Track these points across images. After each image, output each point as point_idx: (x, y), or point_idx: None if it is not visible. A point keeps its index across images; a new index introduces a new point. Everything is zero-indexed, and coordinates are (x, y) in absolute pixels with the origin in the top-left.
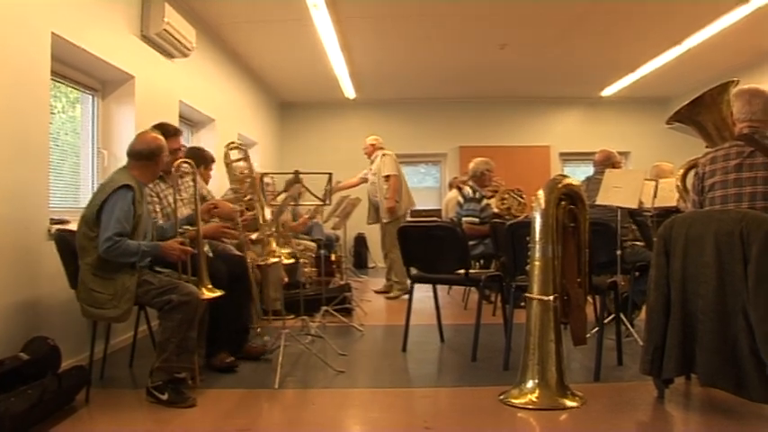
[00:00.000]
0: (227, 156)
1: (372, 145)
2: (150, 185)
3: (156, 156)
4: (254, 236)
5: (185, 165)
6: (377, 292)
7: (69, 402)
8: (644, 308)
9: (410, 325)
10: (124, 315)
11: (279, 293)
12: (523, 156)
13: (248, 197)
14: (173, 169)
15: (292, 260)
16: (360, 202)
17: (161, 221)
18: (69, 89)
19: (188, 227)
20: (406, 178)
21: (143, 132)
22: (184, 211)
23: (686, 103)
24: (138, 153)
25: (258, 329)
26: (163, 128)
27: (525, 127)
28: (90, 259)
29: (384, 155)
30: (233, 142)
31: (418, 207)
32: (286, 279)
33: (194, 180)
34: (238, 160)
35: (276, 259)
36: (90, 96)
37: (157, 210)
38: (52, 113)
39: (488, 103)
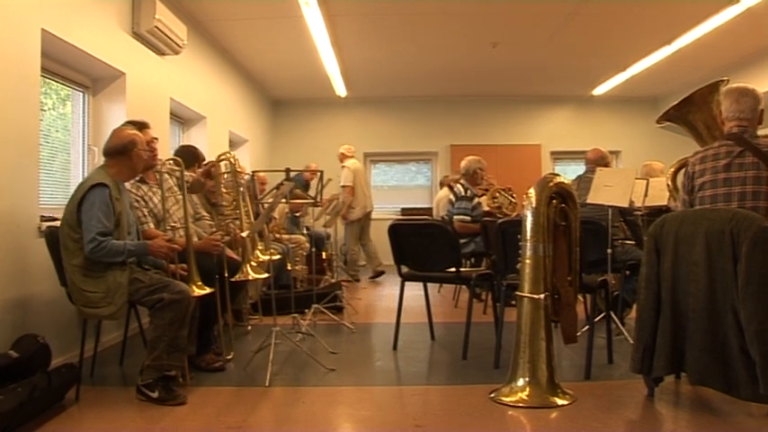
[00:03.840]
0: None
1: (342, 153)
2: (133, 190)
3: (130, 150)
4: (244, 233)
5: (174, 163)
6: (371, 278)
7: (59, 400)
8: (634, 306)
9: (401, 323)
10: (119, 311)
11: (256, 292)
12: (515, 154)
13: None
14: (159, 165)
15: (279, 257)
16: (351, 201)
17: (152, 224)
18: (60, 86)
19: (175, 224)
20: (388, 177)
21: (117, 128)
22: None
23: (676, 102)
24: (111, 149)
25: (249, 327)
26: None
27: (516, 125)
28: (77, 261)
29: (343, 167)
30: (224, 153)
31: (409, 205)
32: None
33: (182, 179)
34: (227, 173)
35: (268, 256)
36: (80, 93)
37: (145, 212)
38: (42, 110)
39: (480, 102)
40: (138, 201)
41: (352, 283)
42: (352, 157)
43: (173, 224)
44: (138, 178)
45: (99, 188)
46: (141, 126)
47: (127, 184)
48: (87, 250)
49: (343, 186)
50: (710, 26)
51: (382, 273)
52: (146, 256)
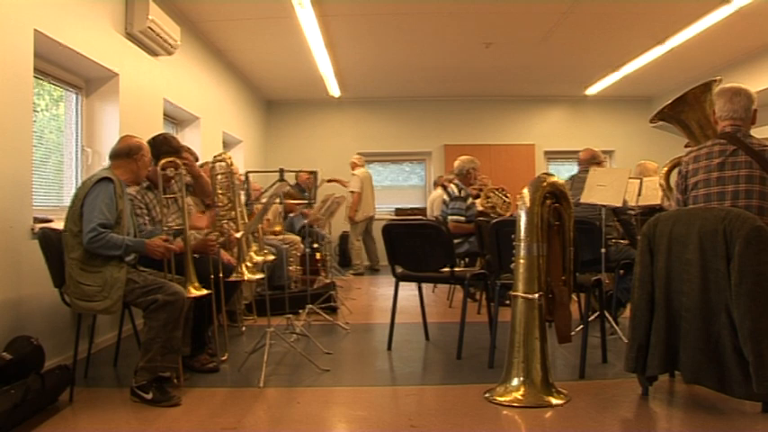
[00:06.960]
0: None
1: (354, 162)
2: (139, 197)
3: (135, 153)
4: (238, 234)
5: (171, 168)
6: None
7: (53, 402)
8: (628, 305)
9: (395, 323)
10: (114, 306)
11: (250, 293)
12: (508, 154)
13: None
14: (158, 168)
15: (273, 257)
16: (345, 201)
17: (150, 227)
18: (53, 87)
19: (172, 225)
20: (382, 177)
21: (124, 135)
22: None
23: (670, 101)
24: (118, 152)
25: (243, 328)
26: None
27: (510, 125)
28: (75, 254)
29: (353, 174)
30: (220, 154)
31: (403, 205)
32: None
33: (182, 180)
34: (221, 174)
35: (262, 257)
36: (74, 94)
37: (146, 220)
38: (35, 111)
39: (473, 102)
40: (140, 208)
41: (351, 278)
42: (362, 165)
43: (169, 224)
44: (146, 185)
45: (105, 182)
46: (177, 150)
47: (133, 191)
48: (86, 240)
49: (352, 192)
50: (703, 26)
51: (377, 270)
52: (143, 255)
